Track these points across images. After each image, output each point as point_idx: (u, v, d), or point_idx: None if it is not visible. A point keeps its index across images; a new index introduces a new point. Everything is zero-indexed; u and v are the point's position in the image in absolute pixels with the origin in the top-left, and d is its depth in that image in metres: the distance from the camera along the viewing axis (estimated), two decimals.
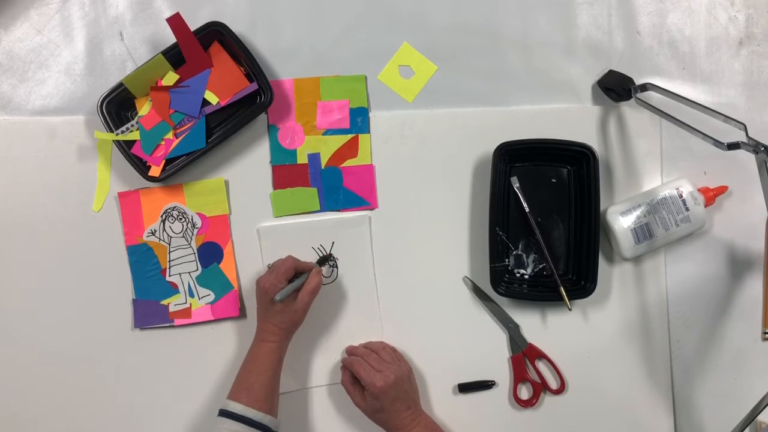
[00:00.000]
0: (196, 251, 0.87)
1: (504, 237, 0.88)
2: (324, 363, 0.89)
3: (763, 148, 0.72)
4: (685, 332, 0.92)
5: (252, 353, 0.80)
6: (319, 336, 0.89)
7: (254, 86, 0.85)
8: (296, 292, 0.80)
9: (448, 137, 0.90)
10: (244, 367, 0.80)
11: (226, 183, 0.88)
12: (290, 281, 0.81)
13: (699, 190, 0.89)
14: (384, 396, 0.78)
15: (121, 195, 0.86)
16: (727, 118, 0.76)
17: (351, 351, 0.86)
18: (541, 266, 0.89)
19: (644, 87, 0.86)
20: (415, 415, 0.81)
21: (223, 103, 0.85)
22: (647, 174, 0.92)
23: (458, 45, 0.90)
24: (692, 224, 0.88)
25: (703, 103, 0.79)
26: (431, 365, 0.90)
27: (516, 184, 0.88)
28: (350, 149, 0.89)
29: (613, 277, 0.91)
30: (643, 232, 0.88)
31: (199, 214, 0.87)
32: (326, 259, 0.88)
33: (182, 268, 0.87)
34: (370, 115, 0.90)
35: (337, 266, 0.89)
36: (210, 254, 0.87)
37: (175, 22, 0.82)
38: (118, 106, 0.84)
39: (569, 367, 0.91)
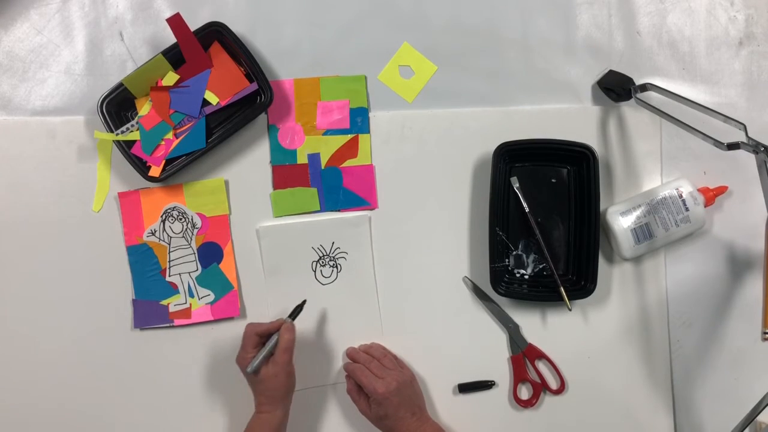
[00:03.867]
0: (196, 251, 0.87)
1: (504, 237, 0.88)
2: (324, 363, 0.89)
3: (763, 148, 0.72)
4: (685, 332, 0.92)
5: (249, 426, 0.79)
6: (319, 336, 0.89)
7: (254, 86, 0.85)
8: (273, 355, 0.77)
9: (448, 137, 0.90)
10: None
11: (226, 183, 0.88)
12: (263, 345, 0.78)
13: (699, 190, 0.89)
14: (387, 402, 0.78)
15: (121, 195, 0.86)
16: (727, 118, 0.76)
17: (351, 355, 0.86)
18: (541, 266, 0.89)
19: (644, 87, 0.86)
20: (421, 422, 0.80)
21: (223, 103, 0.85)
22: (647, 174, 0.92)
23: (458, 45, 0.90)
24: (692, 224, 0.88)
25: (703, 103, 0.79)
26: (431, 365, 0.90)
27: (516, 184, 0.88)
28: (350, 149, 0.89)
29: (613, 277, 0.91)
30: (643, 233, 0.88)
31: (199, 214, 0.87)
32: (299, 309, 0.82)
33: (182, 268, 0.87)
34: (370, 115, 0.89)
35: (337, 266, 0.89)
36: (210, 254, 0.87)
37: (175, 22, 0.81)
38: (118, 106, 0.84)
39: (569, 367, 0.91)
